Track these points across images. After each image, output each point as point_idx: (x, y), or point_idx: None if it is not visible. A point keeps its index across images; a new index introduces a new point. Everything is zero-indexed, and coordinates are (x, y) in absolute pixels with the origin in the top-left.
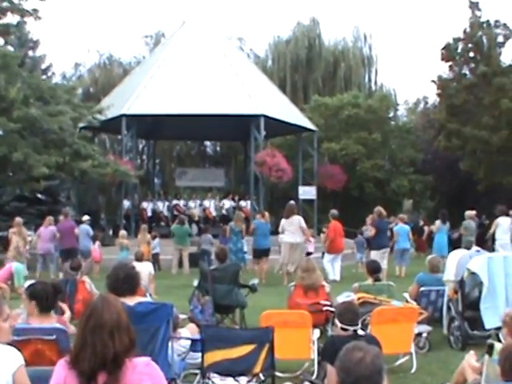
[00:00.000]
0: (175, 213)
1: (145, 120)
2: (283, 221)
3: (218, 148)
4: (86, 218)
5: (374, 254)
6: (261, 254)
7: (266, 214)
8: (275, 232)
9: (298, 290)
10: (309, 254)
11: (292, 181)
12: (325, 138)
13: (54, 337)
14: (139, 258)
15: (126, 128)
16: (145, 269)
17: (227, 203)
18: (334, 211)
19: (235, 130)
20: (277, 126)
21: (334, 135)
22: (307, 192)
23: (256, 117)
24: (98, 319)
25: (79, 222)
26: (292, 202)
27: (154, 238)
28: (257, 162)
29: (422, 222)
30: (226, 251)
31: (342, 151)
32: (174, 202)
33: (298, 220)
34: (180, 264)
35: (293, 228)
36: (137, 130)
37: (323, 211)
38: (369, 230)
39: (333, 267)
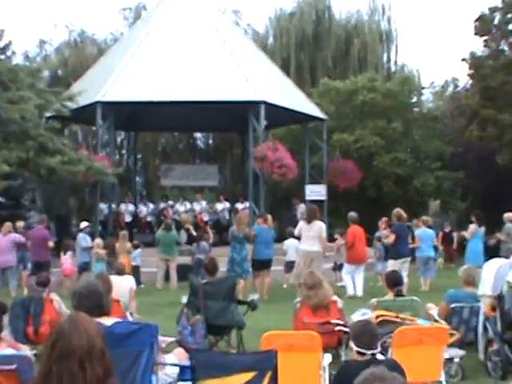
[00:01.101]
0: (162, 218)
1: (124, 108)
2: (302, 224)
3: (211, 141)
4: (84, 224)
5: (393, 264)
6: (262, 265)
7: (269, 217)
8: (279, 239)
9: (304, 307)
10: (336, 267)
11: (297, 179)
12: (336, 127)
13: (14, 366)
14: (120, 271)
15: (102, 118)
16: (126, 283)
17: (221, 205)
18: (352, 214)
19: (230, 119)
20: (279, 115)
21: (347, 125)
22: (315, 192)
23: (255, 103)
24: (66, 345)
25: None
26: (313, 205)
27: (136, 247)
28: (256, 156)
29: (448, 228)
30: (216, 262)
31: (357, 143)
32: (163, 205)
33: (319, 226)
34: (166, 277)
35: (312, 234)
36: (114, 120)
37: (334, 214)
38: (384, 237)
39: (353, 280)
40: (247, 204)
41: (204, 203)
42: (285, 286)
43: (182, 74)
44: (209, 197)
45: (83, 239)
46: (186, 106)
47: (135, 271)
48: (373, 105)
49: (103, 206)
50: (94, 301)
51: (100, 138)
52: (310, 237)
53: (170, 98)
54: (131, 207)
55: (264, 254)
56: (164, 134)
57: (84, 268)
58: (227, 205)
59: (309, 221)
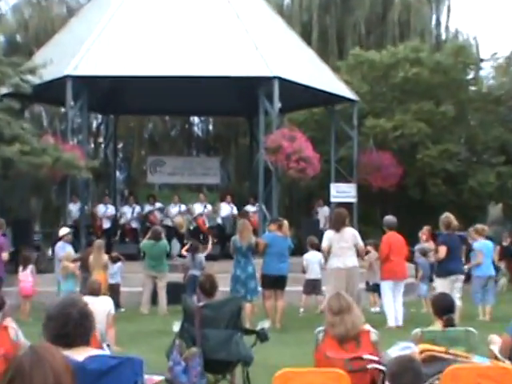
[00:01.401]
0: (147, 224)
1: (101, 84)
2: (330, 234)
3: (211, 127)
4: (64, 231)
5: (441, 285)
6: (274, 283)
7: (285, 223)
8: (297, 251)
9: (328, 338)
10: (370, 288)
11: (320, 175)
12: (370, 111)
13: None
14: (95, 291)
15: (73, 96)
16: (102, 307)
17: (225, 208)
18: (389, 218)
19: (236, 99)
20: (298, 94)
21: (384, 107)
22: (343, 192)
23: (267, 79)
24: None
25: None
26: (342, 209)
27: (115, 260)
28: (268, 147)
29: (508, 240)
30: (214, 280)
31: (396, 131)
32: (148, 207)
33: (351, 235)
34: (154, 299)
35: (344, 245)
36: (89, 100)
37: (366, 221)
38: (429, 250)
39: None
40: (257, 207)
41: (209, 207)
42: (302, 310)
43: (175, 41)
44: (209, 197)
45: (62, 250)
46: (180, 82)
47: (114, 291)
48: (417, 82)
49: (74, 208)
50: (64, 327)
51: (70, 122)
52: (342, 249)
53: (159, 71)
54: (110, 210)
55: (277, 269)
56: (152, 117)
57: None
58: (234, 208)
59: (337, 228)
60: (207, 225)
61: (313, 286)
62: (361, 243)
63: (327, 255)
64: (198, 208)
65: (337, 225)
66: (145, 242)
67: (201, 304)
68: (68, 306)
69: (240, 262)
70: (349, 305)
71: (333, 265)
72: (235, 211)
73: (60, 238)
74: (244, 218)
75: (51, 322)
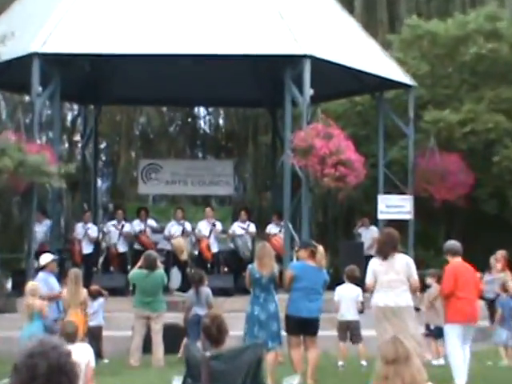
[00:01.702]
0: (137, 246)
1: (78, 66)
2: (375, 263)
3: (222, 121)
4: (47, 258)
5: None
6: (302, 327)
7: (320, 249)
8: (334, 284)
9: None
10: (430, 332)
11: (365, 184)
12: (430, 100)
13: None
14: (70, 337)
15: (41, 81)
16: (78, 357)
17: (239, 228)
18: (453, 243)
19: (255, 86)
20: (335, 78)
21: (449, 95)
22: (395, 207)
23: (295, 59)
24: None
25: None
26: (391, 229)
27: (96, 296)
28: (297, 147)
29: None
30: (223, 323)
31: (465, 126)
32: (138, 225)
33: (404, 264)
34: (146, 347)
35: (393, 278)
36: (63, 86)
37: (426, 244)
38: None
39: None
40: (281, 226)
41: (218, 225)
42: (341, 363)
43: (175, 11)
44: (219, 213)
45: (45, 283)
46: (182, 63)
47: (95, 336)
48: (494, 61)
49: (40, 229)
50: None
51: (38, 114)
52: (392, 282)
53: (154, 49)
54: (92, 230)
55: (306, 309)
56: (145, 109)
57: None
58: (251, 227)
59: (385, 255)
60: (214, 250)
61: (346, 330)
62: (415, 276)
63: (372, 291)
64: (203, 227)
65: (385, 250)
66: (135, 272)
67: (209, 354)
68: (36, 355)
69: (259, 297)
70: (407, 353)
71: (379, 302)
72: (252, 230)
73: (42, 268)
74: (266, 240)
75: (16, 374)
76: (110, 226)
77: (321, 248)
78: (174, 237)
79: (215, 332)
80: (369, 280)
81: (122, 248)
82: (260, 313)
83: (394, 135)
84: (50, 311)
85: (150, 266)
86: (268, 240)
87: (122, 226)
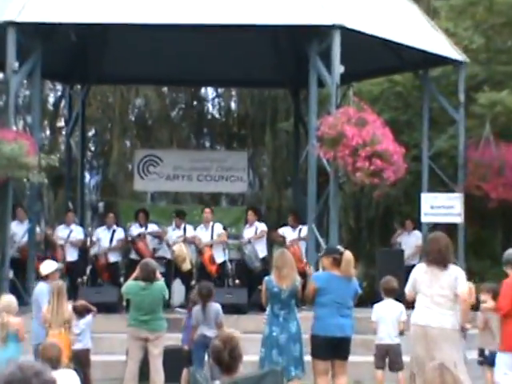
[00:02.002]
0: (132, 255)
1: (63, 37)
2: (418, 273)
3: (234, 104)
4: (51, 267)
5: None
6: (331, 349)
7: (347, 254)
8: (369, 299)
9: None
10: (485, 359)
11: (405, 181)
12: (486, 78)
13: None
14: (53, 362)
15: (18, 56)
16: None
17: (250, 232)
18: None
19: (274, 62)
20: (370, 53)
21: (509, 73)
22: (442, 208)
23: (323, 30)
24: None
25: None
26: (439, 233)
27: (82, 313)
28: (324, 136)
29: None
30: (237, 346)
31: None
32: (135, 229)
33: (453, 277)
34: (143, 374)
35: (439, 293)
36: (44, 62)
37: (479, 252)
38: None
39: None
40: (304, 231)
41: (218, 227)
42: None
43: None
44: (231, 214)
45: (45, 296)
46: (188, 35)
47: (81, 361)
48: None
49: (19, 229)
50: None
51: (14, 95)
52: (436, 297)
53: (154, 18)
54: (76, 233)
55: (334, 327)
56: (142, 89)
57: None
58: (261, 227)
59: (437, 264)
60: (219, 260)
61: (385, 356)
62: (463, 287)
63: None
64: (202, 234)
65: (432, 259)
66: (130, 284)
67: (217, 383)
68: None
69: (278, 315)
70: (454, 381)
71: (418, 320)
72: (262, 231)
73: (43, 277)
74: (284, 246)
75: None
76: (101, 231)
77: (347, 254)
78: (175, 243)
79: (227, 357)
80: (408, 288)
81: (113, 257)
82: (279, 334)
83: (442, 121)
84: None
85: (148, 277)
86: (284, 246)
87: (113, 232)
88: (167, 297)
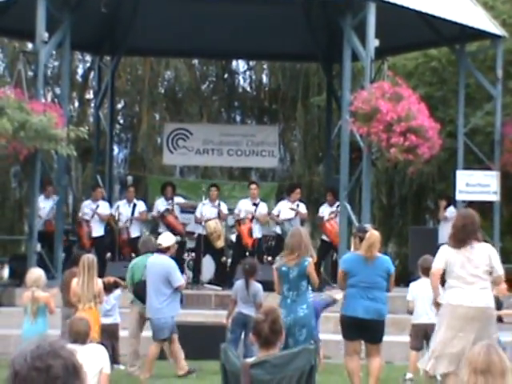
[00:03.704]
0: (161, 229)
1: (91, 8)
2: (447, 253)
3: (265, 78)
4: (170, 239)
5: None
6: (361, 331)
7: (370, 234)
8: (403, 279)
9: None
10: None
11: (440, 157)
12: None
13: None
14: (81, 337)
15: (48, 26)
16: (90, 361)
17: (287, 210)
18: None
19: (306, 35)
20: (405, 27)
21: None
22: (478, 185)
23: (356, 2)
24: None
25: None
26: (469, 210)
27: (111, 288)
28: (357, 111)
29: None
30: (279, 321)
31: None
32: (163, 204)
33: (486, 255)
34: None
35: (471, 272)
36: (73, 33)
37: None
38: None
39: None
40: (339, 208)
41: (263, 206)
42: (409, 375)
43: None
44: (261, 190)
45: (175, 270)
46: (219, 6)
47: (110, 336)
48: None
49: (47, 204)
50: None
51: (42, 66)
52: (469, 277)
53: None
54: (104, 208)
55: (363, 308)
56: (172, 62)
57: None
58: (302, 208)
59: (461, 243)
60: (256, 235)
61: (422, 337)
62: (500, 270)
63: (438, 285)
64: (246, 207)
65: (461, 237)
66: (135, 261)
67: (250, 361)
68: (46, 357)
69: (286, 297)
70: (504, 365)
71: (450, 300)
72: (303, 211)
73: (160, 250)
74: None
75: (19, 383)
76: (121, 207)
77: (371, 234)
78: (208, 219)
79: (267, 330)
80: (436, 267)
81: (134, 232)
82: (285, 316)
83: (478, 97)
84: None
85: (151, 249)
86: (322, 225)
87: (134, 206)
88: (175, 271)
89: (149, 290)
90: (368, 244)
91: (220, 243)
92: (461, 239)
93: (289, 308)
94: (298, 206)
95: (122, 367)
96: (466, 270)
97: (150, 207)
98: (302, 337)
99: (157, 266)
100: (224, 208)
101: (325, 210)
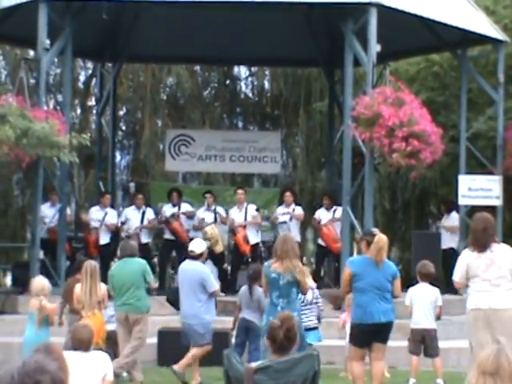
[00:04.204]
0: (166, 236)
1: (93, 14)
2: (469, 257)
3: (267, 83)
4: (202, 245)
5: None
6: (370, 335)
7: (379, 238)
8: (406, 283)
9: None
10: None
11: (442, 162)
12: None
13: None
14: (84, 344)
15: (49, 33)
16: (94, 368)
17: (285, 214)
18: None
19: (309, 41)
20: (407, 32)
21: None
22: (480, 190)
23: (358, 7)
24: None
25: None
26: (486, 214)
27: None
28: (359, 116)
29: None
30: (294, 327)
31: None
32: (169, 209)
33: (508, 255)
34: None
35: (496, 274)
36: (75, 40)
37: None
38: None
39: None
40: (338, 212)
41: (251, 209)
42: (412, 381)
43: None
44: (263, 196)
45: (209, 276)
46: (221, 12)
47: (114, 341)
48: None
49: (50, 212)
50: None
51: (45, 73)
52: (493, 279)
53: None
54: (111, 216)
55: (373, 312)
56: (174, 68)
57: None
58: (298, 210)
59: (483, 246)
60: (253, 241)
61: (421, 341)
62: None
63: (464, 289)
64: (235, 214)
65: (483, 242)
66: (113, 268)
67: (254, 366)
68: (33, 373)
69: (276, 305)
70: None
71: (474, 305)
72: (299, 213)
73: (193, 257)
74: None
75: None
76: (130, 211)
77: (379, 238)
78: (206, 224)
79: (282, 336)
80: (459, 276)
81: (144, 238)
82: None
83: (480, 102)
84: None
85: (127, 253)
86: (319, 229)
87: (143, 214)
88: (149, 273)
89: (183, 296)
90: (377, 248)
91: (219, 248)
92: (483, 243)
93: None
94: (293, 209)
95: (124, 374)
96: (490, 273)
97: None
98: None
99: (190, 272)
100: (221, 211)
101: (321, 214)
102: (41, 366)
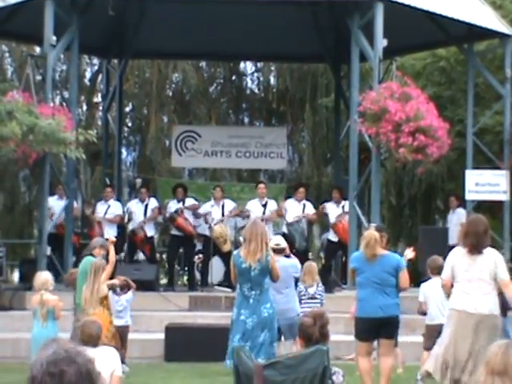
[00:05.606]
0: (173, 231)
1: (99, 10)
2: (456, 257)
3: (273, 79)
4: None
5: None
6: (374, 330)
7: (366, 233)
8: (413, 279)
9: None
10: None
11: (449, 157)
12: None
13: None
14: (92, 339)
15: (55, 30)
16: (102, 364)
17: (293, 208)
18: None
19: (314, 37)
20: (414, 27)
21: None
22: (487, 185)
23: (364, 2)
24: None
25: None
26: (476, 215)
27: (123, 289)
28: (366, 111)
29: None
30: (327, 323)
31: None
32: (174, 204)
33: (491, 260)
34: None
35: (478, 278)
36: (81, 36)
37: None
38: None
39: None
40: (347, 206)
41: (272, 204)
42: (421, 376)
43: None
44: (270, 191)
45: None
46: (226, 8)
47: (122, 338)
48: None
49: (57, 205)
50: None
51: (51, 70)
52: (474, 281)
53: None
54: (116, 209)
55: (375, 307)
56: (180, 64)
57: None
58: (307, 207)
59: (470, 248)
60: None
61: (436, 337)
62: (503, 275)
63: (448, 290)
64: (254, 207)
65: (469, 241)
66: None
67: (263, 361)
68: (60, 363)
69: (248, 297)
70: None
71: (455, 305)
72: (310, 211)
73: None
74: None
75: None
76: (133, 206)
77: (366, 233)
78: (214, 223)
79: (317, 333)
80: (445, 274)
81: (149, 231)
82: (248, 318)
83: (487, 97)
84: None
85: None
86: (333, 224)
87: (147, 206)
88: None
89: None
90: (365, 243)
91: (226, 247)
92: (468, 243)
93: (252, 308)
94: (304, 205)
95: (126, 369)
96: (470, 273)
97: (161, 209)
98: (260, 339)
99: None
100: (229, 205)
101: (329, 208)
102: (69, 357)
